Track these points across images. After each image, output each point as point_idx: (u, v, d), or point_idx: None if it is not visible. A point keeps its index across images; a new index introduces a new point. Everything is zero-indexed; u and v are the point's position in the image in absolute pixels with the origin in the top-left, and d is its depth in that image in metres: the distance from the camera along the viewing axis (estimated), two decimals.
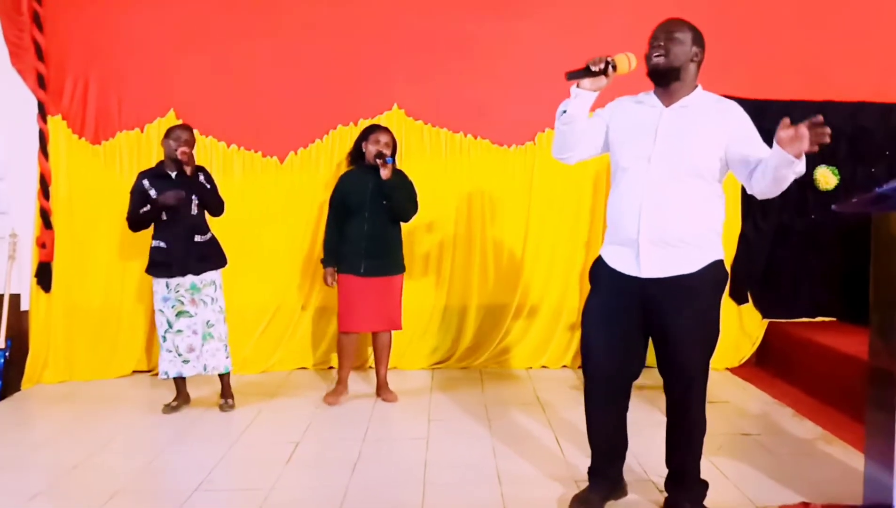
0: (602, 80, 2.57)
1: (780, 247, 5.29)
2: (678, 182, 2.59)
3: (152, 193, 4.17)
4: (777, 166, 2.39)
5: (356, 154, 4.47)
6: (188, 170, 4.11)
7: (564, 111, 2.63)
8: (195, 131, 4.38)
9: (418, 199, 4.47)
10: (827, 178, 5.19)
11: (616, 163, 2.75)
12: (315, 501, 3.06)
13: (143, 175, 4.28)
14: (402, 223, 4.49)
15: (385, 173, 4.18)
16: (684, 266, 2.62)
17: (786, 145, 2.32)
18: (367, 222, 4.33)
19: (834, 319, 5.28)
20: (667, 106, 2.66)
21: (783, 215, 5.28)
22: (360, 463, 3.44)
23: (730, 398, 4.54)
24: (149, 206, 4.14)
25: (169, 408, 4.28)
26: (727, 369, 5.21)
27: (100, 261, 5.07)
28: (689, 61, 2.64)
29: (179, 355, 4.22)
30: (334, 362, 5.15)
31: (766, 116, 5.00)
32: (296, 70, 5.17)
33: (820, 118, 2.26)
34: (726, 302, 5.23)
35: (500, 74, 5.16)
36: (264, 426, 4.08)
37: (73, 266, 5.02)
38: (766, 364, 5.24)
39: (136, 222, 4.22)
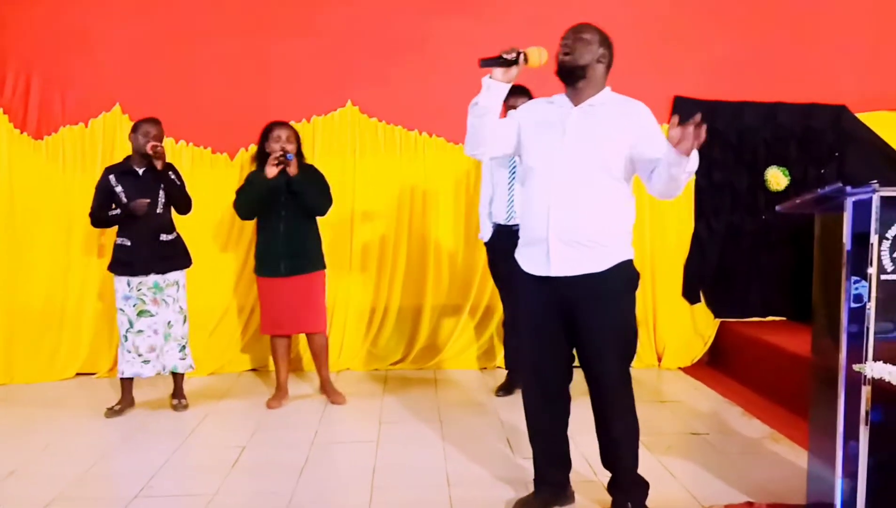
0: (513, 70, 2.59)
1: (732, 247, 5.34)
2: (586, 181, 2.63)
3: (118, 189, 4.08)
4: (670, 165, 2.45)
5: (261, 156, 4.29)
6: (159, 165, 4.03)
7: (476, 103, 2.64)
8: None
9: (331, 191, 4.35)
10: (778, 179, 5.25)
11: (525, 162, 2.77)
12: (259, 507, 2.99)
13: (109, 171, 4.16)
14: (318, 218, 4.39)
15: (291, 170, 4.08)
16: (593, 265, 2.64)
17: (676, 144, 2.37)
18: (283, 222, 4.24)
19: (784, 318, 5.33)
20: (575, 105, 2.70)
21: (735, 216, 5.33)
22: (308, 468, 3.38)
23: (682, 397, 4.57)
24: (119, 210, 4.05)
25: (112, 412, 4.16)
26: (680, 368, 5.24)
27: (42, 260, 4.93)
28: (595, 61, 2.66)
29: (140, 355, 4.14)
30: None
31: (718, 117, 5.15)
32: (248, 65, 5.08)
33: (698, 117, 2.32)
34: (679, 302, 5.29)
35: (454, 71, 5.09)
36: (210, 429, 3.99)
37: (13, 265, 4.89)
38: (717, 364, 5.28)
39: (100, 221, 4.13)
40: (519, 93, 4.05)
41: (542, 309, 2.73)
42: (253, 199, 4.18)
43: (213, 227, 5.05)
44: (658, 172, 2.54)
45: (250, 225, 5.06)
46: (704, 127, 2.33)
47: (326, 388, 4.46)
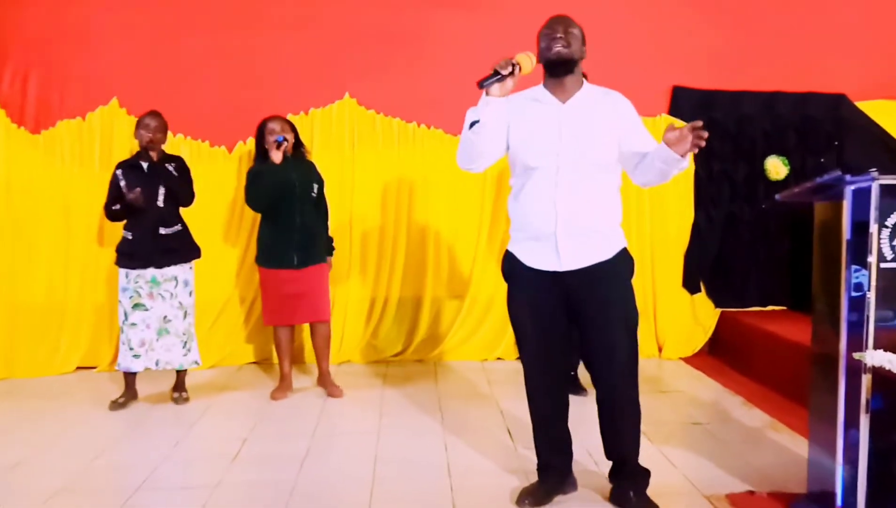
0: (509, 83, 2.56)
1: (732, 237, 5.35)
2: (587, 176, 2.68)
3: (123, 183, 4.10)
4: (665, 161, 2.52)
5: (260, 151, 4.31)
6: (154, 155, 4.07)
7: (475, 121, 2.59)
8: None
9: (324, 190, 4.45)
10: (777, 168, 5.25)
11: (522, 162, 2.75)
12: (260, 498, 3.00)
13: (119, 165, 4.21)
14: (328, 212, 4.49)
15: (276, 157, 4.09)
16: (601, 254, 2.72)
17: (672, 145, 2.47)
18: (300, 214, 4.26)
19: (784, 308, 5.34)
20: (563, 102, 2.72)
21: (734, 205, 5.34)
22: (309, 459, 3.38)
23: (682, 387, 4.58)
24: (118, 205, 4.10)
25: (116, 404, 4.17)
26: (681, 358, 5.25)
27: (42, 254, 4.93)
28: (580, 57, 2.72)
29: (131, 348, 4.14)
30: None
31: (717, 107, 5.15)
32: (245, 58, 5.08)
33: (699, 123, 2.41)
34: (680, 292, 5.30)
35: (452, 63, 5.11)
36: (212, 422, 4.00)
37: (13, 260, 4.88)
38: (718, 353, 5.29)
39: (109, 215, 4.19)
40: None
41: (548, 302, 2.76)
42: (267, 189, 4.17)
43: (211, 219, 5.03)
44: (646, 165, 2.63)
45: (249, 217, 5.08)
46: (705, 134, 2.39)
47: (325, 380, 4.46)
